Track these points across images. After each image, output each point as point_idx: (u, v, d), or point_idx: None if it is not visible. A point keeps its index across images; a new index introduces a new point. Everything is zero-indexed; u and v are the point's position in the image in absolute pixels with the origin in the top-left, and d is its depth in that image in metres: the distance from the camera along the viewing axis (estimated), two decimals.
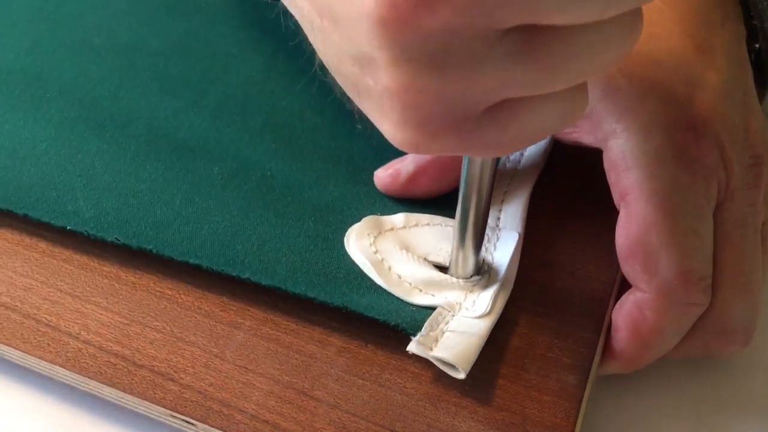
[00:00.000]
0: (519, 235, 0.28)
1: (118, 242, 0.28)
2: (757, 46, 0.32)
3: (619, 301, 0.27)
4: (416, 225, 0.29)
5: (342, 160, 0.32)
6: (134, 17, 0.39)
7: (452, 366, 0.25)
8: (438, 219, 0.29)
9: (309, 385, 0.25)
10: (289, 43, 0.33)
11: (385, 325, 0.26)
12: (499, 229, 0.29)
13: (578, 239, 0.29)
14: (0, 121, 0.34)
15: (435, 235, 0.29)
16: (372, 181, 0.31)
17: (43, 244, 0.29)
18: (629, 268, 0.26)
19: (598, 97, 0.26)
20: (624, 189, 0.26)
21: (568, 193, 0.31)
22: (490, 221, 0.29)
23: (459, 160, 0.25)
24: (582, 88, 0.20)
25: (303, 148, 0.33)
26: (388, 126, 0.20)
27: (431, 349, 0.25)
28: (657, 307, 0.25)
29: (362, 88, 0.20)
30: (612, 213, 0.26)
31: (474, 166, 0.24)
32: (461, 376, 0.24)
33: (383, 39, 0.17)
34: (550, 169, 0.31)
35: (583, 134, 0.27)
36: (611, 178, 0.26)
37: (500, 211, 0.29)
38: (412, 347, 0.25)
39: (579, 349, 0.26)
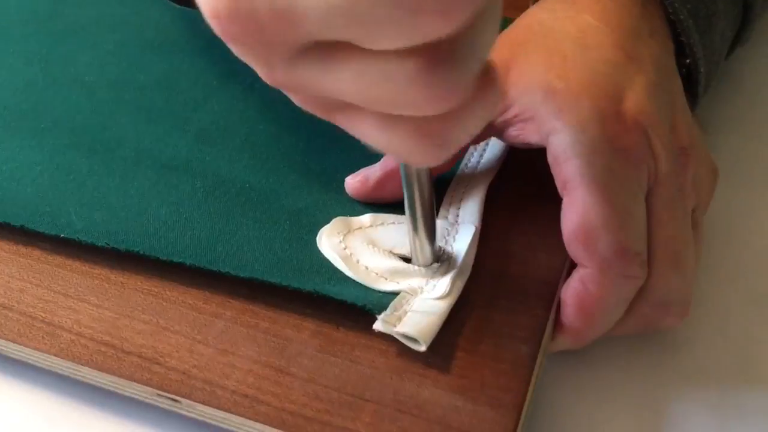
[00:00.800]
0: (476, 227, 0.31)
1: (107, 246, 0.31)
2: (687, 61, 0.35)
3: (567, 280, 0.29)
4: (382, 224, 0.32)
5: (315, 172, 0.35)
6: (122, 57, 0.42)
7: (414, 340, 0.27)
8: (402, 218, 0.32)
9: (285, 364, 0.27)
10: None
11: (355, 311, 0.28)
12: (458, 224, 0.31)
13: (530, 231, 0.32)
14: None
15: (399, 231, 0.31)
16: (343, 189, 0.34)
17: (37, 252, 0.32)
18: (573, 248, 0.29)
19: (540, 100, 0.29)
20: (565, 178, 0.29)
21: (520, 190, 0.34)
22: (451, 217, 0.32)
23: None
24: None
25: (279, 163, 0.35)
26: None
27: (395, 326, 0.27)
28: (598, 281, 0.28)
29: None
30: (559, 207, 0.29)
31: (410, 168, 0.27)
32: (422, 348, 0.27)
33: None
34: (505, 170, 0.34)
35: (529, 135, 0.30)
36: (554, 170, 0.29)
37: (459, 208, 0.32)
38: (378, 325, 0.27)
39: (531, 324, 0.28)
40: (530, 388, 0.27)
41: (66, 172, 0.35)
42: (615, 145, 0.28)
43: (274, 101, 0.39)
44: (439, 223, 0.31)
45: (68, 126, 0.38)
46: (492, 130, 0.32)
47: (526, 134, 0.31)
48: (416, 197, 0.28)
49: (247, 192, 0.34)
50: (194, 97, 0.40)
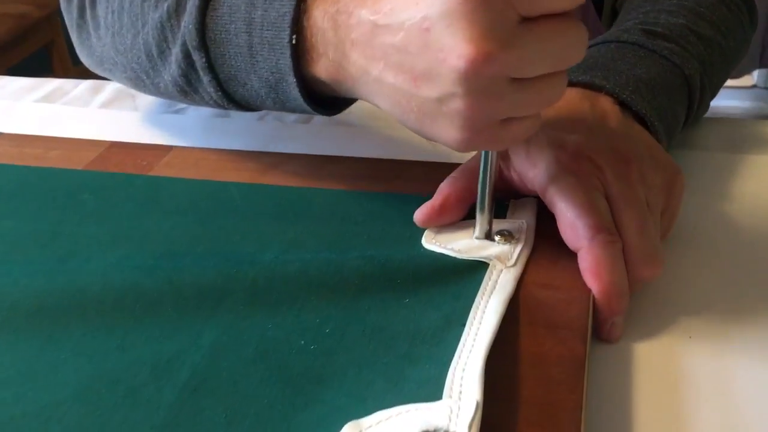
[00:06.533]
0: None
1: None
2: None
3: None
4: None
5: (326, 379, 0.37)
6: (126, 268, 0.44)
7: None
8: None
9: None
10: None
11: None
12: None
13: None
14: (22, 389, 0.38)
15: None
16: (355, 391, 0.36)
17: None
18: (568, 241, 0.42)
19: (522, 159, 0.45)
20: (549, 202, 0.44)
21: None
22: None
23: (468, 193, 0.46)
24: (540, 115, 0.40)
25: (293, 372, 0.37)
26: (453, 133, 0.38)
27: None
28: (589, 250, 0.41)
29: (437, 115, 0.38)
30: None
31: (487, 158, 0.42)
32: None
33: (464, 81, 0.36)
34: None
35: (524, 189, 0.46)
36: (544, 199, 0.44)
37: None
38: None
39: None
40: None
41: (92, 408, 0.36)
42: (569, 170, 0.43)
43: (279, 302, 0.42)
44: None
45: (87, 354, 0.39)
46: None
47: (520, 189, 0.47)
48: (488, 180, 0.43)
49: (267, 413, 0.35)
50: (203, 305, 0.42)
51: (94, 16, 0.56)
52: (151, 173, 0.55)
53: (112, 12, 0.54)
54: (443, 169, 0.49)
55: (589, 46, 0.56)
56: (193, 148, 0.59)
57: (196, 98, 0.52)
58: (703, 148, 0.61)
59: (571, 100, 0.48)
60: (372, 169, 0.55)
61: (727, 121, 0.65)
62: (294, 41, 0.43)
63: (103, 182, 0.54)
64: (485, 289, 0.41)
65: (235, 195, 0.51)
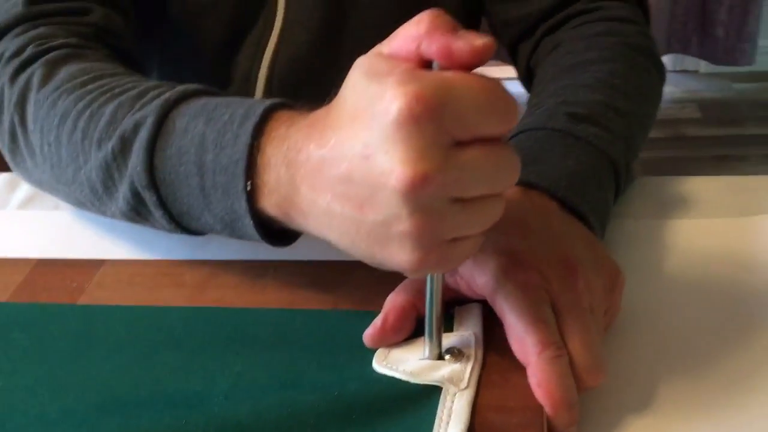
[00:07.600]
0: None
1: None
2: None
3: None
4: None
5: None
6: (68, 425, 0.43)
7: None
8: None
9: None
10: None
11: None
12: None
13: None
14: None
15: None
16: None
17: None
18: (517, 354, 0.44)
19: (470, 266, 0.46)
20: (498, 312, 0.45)
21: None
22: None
23: (411, 308, 0.46)
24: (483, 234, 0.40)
25: None
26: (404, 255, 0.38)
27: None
28: (540, 367, 0.42)
29: (386, 239, 0.38)
30: None
31: (433, 282, 0.43)
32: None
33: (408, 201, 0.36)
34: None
35: (472, 294, 0.47)
36: (493, 307, 0.45)
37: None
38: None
39: None
40: None
41: None
42: (518, 283, 0.44)
43: None
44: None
45: None
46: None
47: (466, 293, 0.48)
48: (434, 304, 0.43)
49: None
50: None
51: (28, 145, 0.56)
52: (83, 297, 0.53)
53: (49, 144, 0.54)
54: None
55: (518, 132, 0.57)
56: (125, 260, 0.57)
57: (148, 225, 0.53)
58: (628, 216, 0.62)
59: (512, 199, 0.49)
60: (316, 274, 0.54)
61: (651, 180, 0.67)
62: (249, 187, 0.44)
63: (34, 316, 0.51)
64: (441, 419, 0.41)
65: (176, 322, 0.50)
